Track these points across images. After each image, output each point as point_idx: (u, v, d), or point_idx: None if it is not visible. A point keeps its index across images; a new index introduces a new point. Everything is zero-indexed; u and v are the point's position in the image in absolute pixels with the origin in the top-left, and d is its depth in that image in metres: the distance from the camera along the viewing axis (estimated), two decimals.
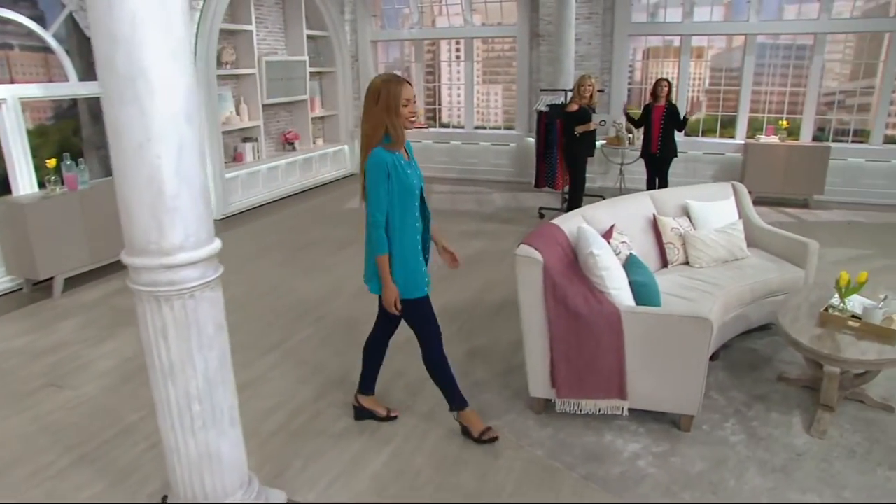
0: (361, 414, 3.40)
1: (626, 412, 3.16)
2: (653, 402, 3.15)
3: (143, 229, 2.03)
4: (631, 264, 3.42)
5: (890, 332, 3.11)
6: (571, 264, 3.25)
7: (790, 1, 8.68)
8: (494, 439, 3.07)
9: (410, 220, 2.87)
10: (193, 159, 2.05)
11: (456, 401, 3.15)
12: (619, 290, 3.10)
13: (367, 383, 3.38)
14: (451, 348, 4.13)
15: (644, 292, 3.21)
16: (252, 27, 8.40)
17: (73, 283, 5.45)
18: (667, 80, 7.27)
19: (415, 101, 2.81)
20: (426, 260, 3.03)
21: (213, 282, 2.20)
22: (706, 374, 3.07)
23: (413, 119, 2.80)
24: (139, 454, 3.12)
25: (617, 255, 3.45)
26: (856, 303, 3.38)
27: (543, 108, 7.65)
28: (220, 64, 8.10)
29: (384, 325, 3.25)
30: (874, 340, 3.10)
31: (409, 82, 2.80)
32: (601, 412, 3.19)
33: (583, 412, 3.22)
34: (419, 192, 2.91)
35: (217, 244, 2.21)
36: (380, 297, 2.99)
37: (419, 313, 3.01)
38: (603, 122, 7.21)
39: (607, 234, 3.65)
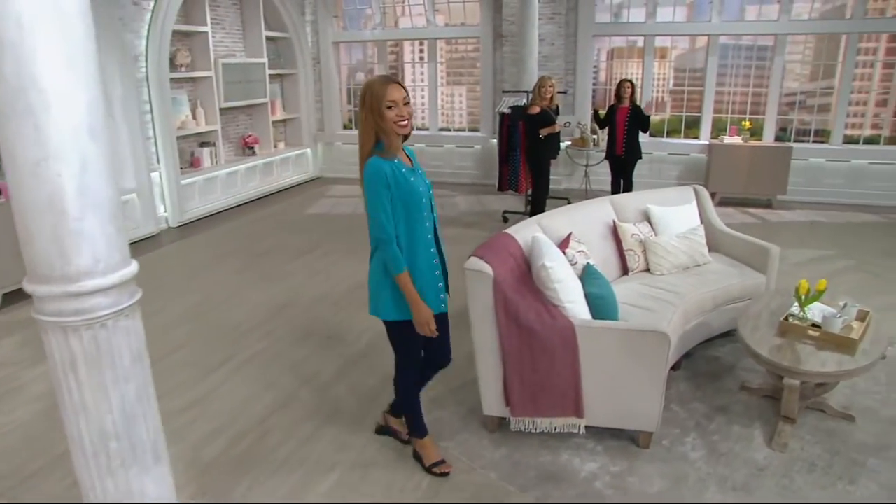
0: (383, 431, 3.25)
1: (582, 430, 3.04)
2: (610, 420, 3.03)
3: (44, 254, 1.84)
4: (587, 275, 3.31)
5: (849, 342, 3.04)
6: (524, 277, 3.13)
7: (751, 2, 8.71)
8: (445, 475, 2.90)
9: (421, 234, 2.61)
10: (100, 177, 1.86)
11: (416, 430, 3.00)
12: (573, 303, 2.98)
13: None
14: None
15: (600, 305, 3.10)
16: (207, 28, 8.14)
17: (11, 298, 5.18)
18: (630, 81, 7.21)
19: (405, 103, 2.52)
20: (445, 277, 2.78)
21: (128, 309, 2.01)
22: (665, 389, 2.97)
23: (403, 123, 2.52)
24: (66, 489, 2.91)
25: (573, 265, 3.33)
26: (816, 310, 3.31)
27: (505, 110, 7.53)
28: (174, 66, 7.84)
29: (412, 354, 2.88)
30: (834, 350, 3.03)
31: (398, 82, 2.54)
32: (557, 430, 3.07)
33: (538, 431, 3.09)
34: (428, 201, 2.65)
35: (133, 268, 2.03)
36: (403, 326, 2.71)
37: (404, 337, 2.76)
38: (567, 124, 7.11)
39: (564, 243, 3.54)
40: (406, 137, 2.63)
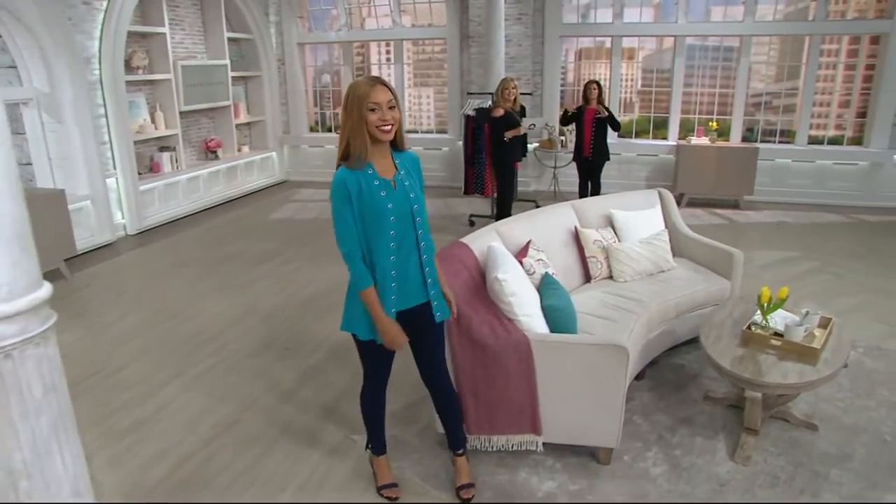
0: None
1: (540, 447, 2.93)
2: (569, 436, 2.92)
3: None
4: (545, 285, 3.19)
5: (811, 351, 2.97)
6: (478, 289, 3.01)
7: (716, 3, 8.72)
8: (392, 499, 2.77)
9: (381, 254, 2.38)
10: None
11: (375, 445, 2.86)
12: (529, 316, 2.87)
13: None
14: (358, 379, 3.85)
15: (558, 317, 2.98)
16: (165, 29, 7.90)
17: None
18: (596, 82, 7.15)
19: (391, 107, 2.28)
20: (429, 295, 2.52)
21: (38, 336, 1.85)
22: (625, 404, 2.87)
23: (385, 128, 2.28)
24: None
25: (530, 274, 3.22)
26: (778, 318, 3.24)
27: (470, 113, 7.42)
28: (130, 69, 7.60)
29: (375, 372, 2.69)
30: (796, 360, 2.96)
31: (385, 84, 2.31)
32: (514, 448, 2.95)
33: (495, 448, 2.97)
34: (406, 218, 2.37)
35: (43, 292, 1.86)
36: (361, 344, 2.56)
37: (368, 356, 2.61)
38: (532, 126, 6.99)
39: (523, 251, 3.43)
40: (399, 145, 2.42)
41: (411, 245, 2.43)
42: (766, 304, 3.14)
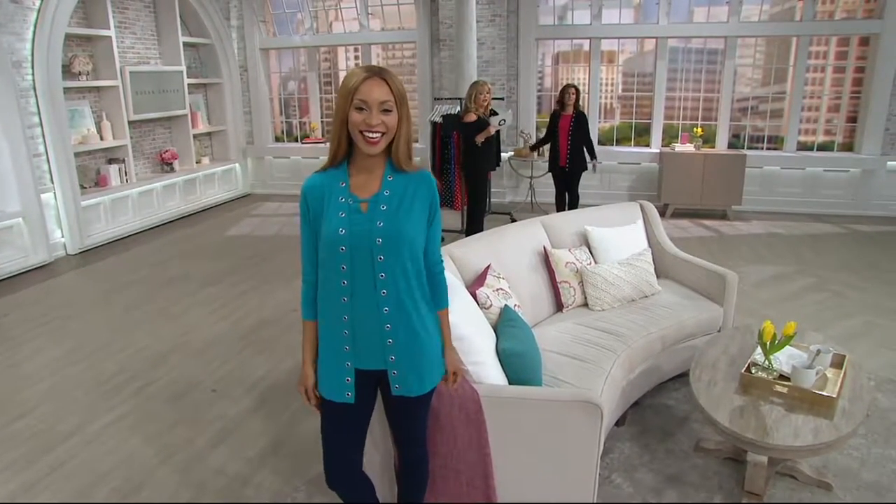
0: None
1: None
2: None
3: None
4: (503, 322, 2.64)
5: (825, 400, 2.44)
6: None
7: (699, 3, 8.29)
8: None
9: (330, 290, 1.85)
10: None
11: None
12: (478, 364, 2.31)
13: None
14: (290, 429, 3.28)
15: (517, 364, 2.43)
16: (111, 32, 7.32)
17: None
18: (574, 85, 6.67)
19: (385, 110, 1.74)
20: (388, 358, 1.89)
21: None
22: (598, 470, 2.33)
23: (371, 137, 1.75)
24: None
25: (486, 308, 2.68)
26: (783, 357, 2.72)
27: (437, 119, 6.88)
28: (72, 75, 7.00)
29: (343, 440, 2.04)
30: (808, 412, 2.43)
31: (386, 77, 1.75)
32: None
33: None
34: (366, 252, 1.78)
35: None
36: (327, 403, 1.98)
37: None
38: (503, 122, 6.26)
39: (479, 280, 2.88)
40: (399, 163, 1.83)
41: (367, 288, 1.81)
42: (768, 343, 2.61)
